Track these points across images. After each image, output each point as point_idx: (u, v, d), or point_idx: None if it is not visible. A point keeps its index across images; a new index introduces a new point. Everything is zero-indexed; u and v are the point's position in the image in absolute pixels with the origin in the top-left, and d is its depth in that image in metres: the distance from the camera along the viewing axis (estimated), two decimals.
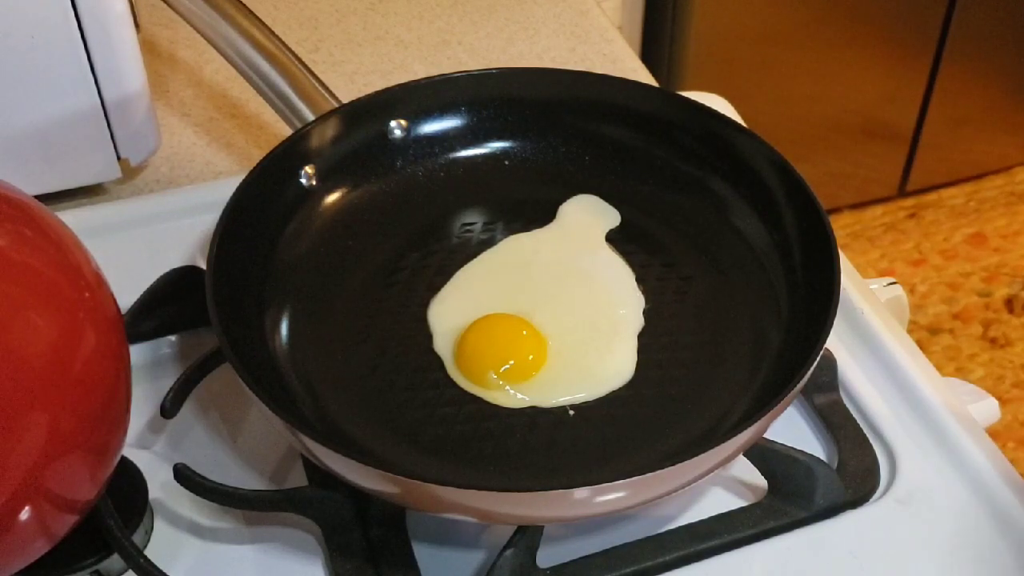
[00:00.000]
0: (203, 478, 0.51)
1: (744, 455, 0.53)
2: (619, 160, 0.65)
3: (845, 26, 1.66)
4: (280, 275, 0.59)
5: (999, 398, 1.09)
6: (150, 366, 0.60)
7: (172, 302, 0.60)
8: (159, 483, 0.54)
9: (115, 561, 0.51)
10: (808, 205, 0.57)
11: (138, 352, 0.59)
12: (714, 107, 0.63)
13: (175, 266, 0.61)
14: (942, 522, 0.53)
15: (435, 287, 0.60)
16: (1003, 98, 1.87)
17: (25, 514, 0.43)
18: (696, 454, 0.46)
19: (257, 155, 0.67)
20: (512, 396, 0.55)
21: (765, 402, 0.51)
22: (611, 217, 0.64)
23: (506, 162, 0.66)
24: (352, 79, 0.83)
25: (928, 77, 1.77)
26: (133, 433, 0.56)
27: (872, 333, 0.61)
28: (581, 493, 0.46)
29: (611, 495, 0.46)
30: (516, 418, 0.54)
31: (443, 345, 0.57)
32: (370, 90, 0.66)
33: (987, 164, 1.99)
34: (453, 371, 0.56)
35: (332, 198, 0.63)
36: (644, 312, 0.59)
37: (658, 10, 1.61)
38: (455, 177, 0.65)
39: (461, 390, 0.55)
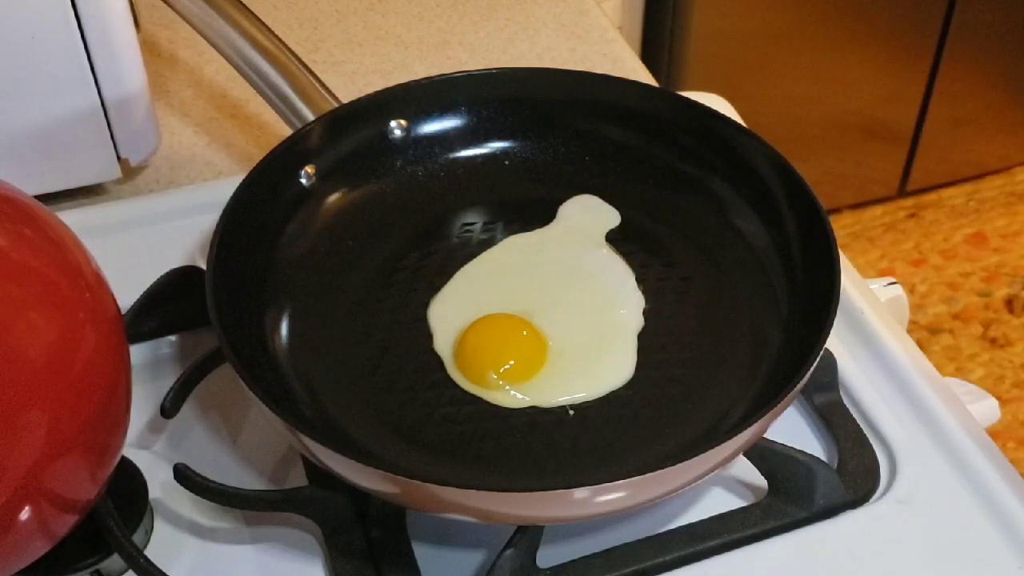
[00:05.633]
0: (203, 478, 0.51)
1: (744, 455, 0.53)
2: (619, 160, 0.65)
3: (845, 26, 1.66)
4: (280, 275, 0.59)
5: (999, 398, 1.10)
6: (150, 366, 0.60)
7: (172, 302, 0.60)
8: (159, 483, 0.54)
9: (115, 561, 0.51)
10: (808, 205, 0.57)
11: (138, 352, 0.59)
12: (714, 107, 0.63)
13: (175, 266, 0.61)
14: (942, 522, 0.53)
15: (435, 287, 0.60)
16: (1003, 98, 1.87)
17: (25, 514, 0.43)
18: (696, 454, 0.46)
19: (257, 155, 0.67)
20: (512, 396, 0.55)
21: (765, 402, 0.51)
22: (611, 217, 0.64)
23: (506, 162, 0.66)
24: (352, 79, 0.83)
25: (928, 77, 1.77)
26: (133, 433, 0.56)
27: (872, 333, 0.61)
28: (581, 493, 0.46)
29: (611, 495, 0.46)
30: (516, 418, 0.54)
31: (443, 345, 0.57)
32: (370, 90, 0.66)
33: (987, 164, 1.99)
34: (453, 371, 0.56)
35: (332, 198, 0.63)
36: (644, 312, 0.59)
37: (658, 10, 1.61)
38: (455, 177, 0.65)
39: (461, 390, 0.55)
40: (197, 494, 0.52)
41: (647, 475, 0.45)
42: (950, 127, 1.86)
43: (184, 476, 0.51)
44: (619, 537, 0.53)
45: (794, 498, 0.53)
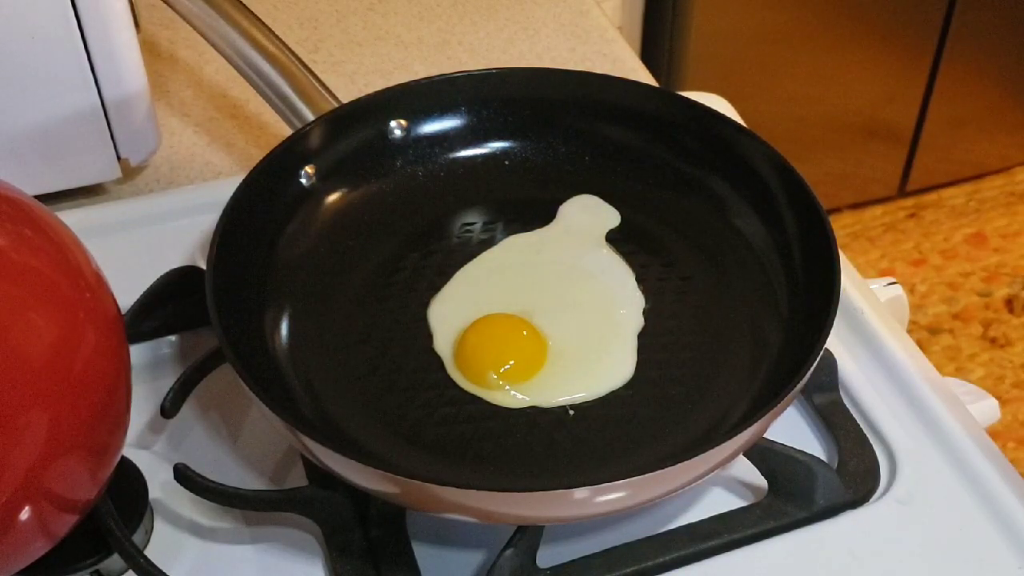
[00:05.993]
0: (203, 478, 0.51)
1: (744, 455, 0.53)
2: (619, 160, 0.65)
3: (845, 26, 1.66)
4: (280, 275, 0.59)
5: (999, 398, 1.10)
6: (150, 366, 0.60)
7: (172, 302, 0.60)
8: (159, 483, 0.54)
9: (115, 561, 0.51)
10: (808, 205, 0.57)
11: (138, 352, 0.59)
12: (714, 107, 0.63)
13: (175, 266, 0.61)
14: (942, 522, 0.53)
15: (435, 287, 0.60)
16: (1003, 98, 1.87)
17: (25, 514, 0.43)
18: (696, 454, 0.46)
19: (257, 155, 0.67)
20: (512, 396, 0.55)
21: (765, 402, 0.51)
22: (611, 217, 0.64)
23: (506, 162, 0.66)
24: (352, 79, 0.83)
25: (928, 77, 1.77)
26: (133, 433, 0.56)
27: (872, 333, 0.61)
28: (581, 493, 0.46)
29: (611, 495, 0.46)
30: (516, 418, 0.54)
31: (443, 345, 0.57)
32: (370, 90, 0.66)
33: (987, 164, 1.99)
34: (453, 371, 0.56)
35: (332, 198, 0.63)
36: (644, 312, 0.59)
37: (658, 10, 1.61)
38: (455, 177, 0.65)
39: (461, 390, 0.55)
40: (197, 494, 0.52)
41: (647, 475, 0.45)
42: (950, 127, 1.86)
43: (184, 476, 0.51)
44: (619, 537, 0.53)
45: (794, 498, 0.53)
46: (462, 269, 0.61)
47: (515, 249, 0.62)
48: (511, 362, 0.55)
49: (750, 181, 0.61)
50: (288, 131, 0.64)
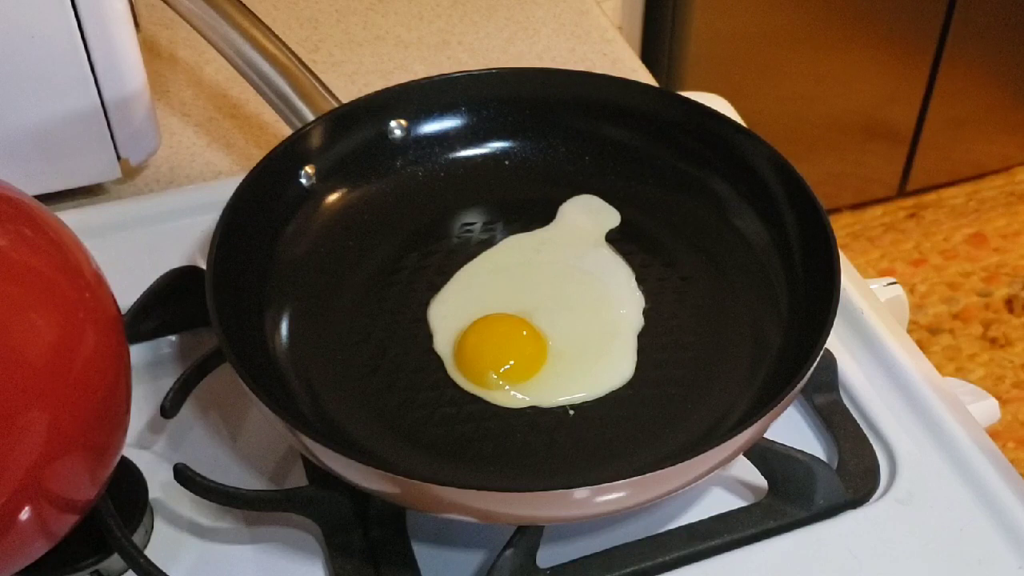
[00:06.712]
0: (203, 478, 0.51)
1: (744, 455, 0.53)
2: (619, 160, 0.65)
3: (845, 26, 1.66)
4: (280, 275, 0.59)
5: (999, 398, 1.10)
6: (150, 366, 0.60)
7: (172, 302, 0.60)
8: (159, 483, 0.54)
9: (115, 561, 0.51)
10: (808, 205, 0.57)
11: (138, 352, 0.59)
12: (714, 107, 0.63)
13: (175, 266, 0.61)
14: (942, 522, 0.53)
15: (435, 287, 0.60)
16: (1003, 98, 1.88)
17: (25, 514, 0.43)
18: (696, 454, 0.46)
19: (257, 155, 0.67)
20: (512, 396, 0.55)
21: (765, 402, 0.51)
22: (611, 217, 0.64)
23: (506, 162, 0.66)
24: (352, 79, 0.83)
25: (928, 77, 1.77)
26: (133, 433, 0.56)
27: (872, 333, 0.61)
28: (581, 493, 0.46)
29: (611, 495, 0.46)
30: (516, 418, 0.54)
31: (443, 345, 0.57)
32: (370, 90, 0.66)
33: (987, 164, 1.99)
34: (453, 371, 0.56)
35: (332, 198, 0.63)
36: (644, 312, 0.59)
37: (658, 10, 1.61)
38: (455, 177, 0.65)
39: (461, 390, 0.55)
40: (197, 494, 0.52)
41: (647, 475, 0.45)
42: (950, 127, 1.86)
43: (184, 476, 0.51)
44: (619, 537, 0.53)
45: (794, 498, 0.53)
46: (462, 269, 0.61)
47: (515, 249, 0.62)
48: (511, 362, 0.55)
49: (750, 181, 0.61)
50: (288, 131, 0.64)
